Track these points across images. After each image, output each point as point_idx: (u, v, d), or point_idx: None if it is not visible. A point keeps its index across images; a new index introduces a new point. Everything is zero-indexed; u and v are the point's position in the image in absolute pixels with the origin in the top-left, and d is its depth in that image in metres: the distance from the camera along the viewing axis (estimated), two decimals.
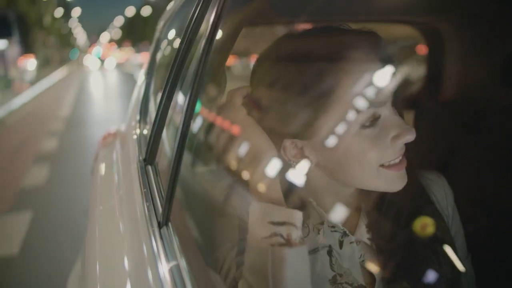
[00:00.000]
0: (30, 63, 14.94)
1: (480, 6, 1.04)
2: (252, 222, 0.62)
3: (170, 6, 1.89)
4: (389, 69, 0.66)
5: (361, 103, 0.63)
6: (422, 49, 1.31)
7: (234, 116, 0.68)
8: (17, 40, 13.91)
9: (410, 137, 0.64)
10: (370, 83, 0.64)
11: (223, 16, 0.84)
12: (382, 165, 0.64)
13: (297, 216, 0.61)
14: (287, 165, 0.67)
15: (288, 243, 0.59)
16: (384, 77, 0.65)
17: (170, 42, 1.69)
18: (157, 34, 2.11)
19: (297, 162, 0.67)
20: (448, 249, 0.71)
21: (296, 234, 0.60)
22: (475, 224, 0.78)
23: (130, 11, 77.70)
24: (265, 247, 0.59)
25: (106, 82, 17.58)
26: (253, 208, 0.63)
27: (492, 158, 0.90)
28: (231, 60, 0.93)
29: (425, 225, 0.70)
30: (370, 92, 0.63)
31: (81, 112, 9.25)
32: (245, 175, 0.67)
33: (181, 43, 1.10)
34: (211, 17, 0.87)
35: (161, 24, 2.06)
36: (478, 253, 0.75)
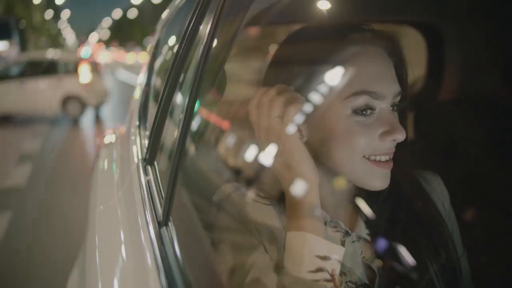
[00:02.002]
0: None
1: (480, 6, 1.04)
2: (293, 251, 0.61)
3: (168, 8, 1.89)
4: (393, 69, 0.67)
5: (357, 88, 0.64)
6: (422, 49, 1.31)
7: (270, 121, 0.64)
8: (17, 42, 17.44)
9: (400, 137, 0.64)
10: (371, 75, 0.65)
11: (222, 16, 0.84)
12: (366, 157, 0.65)
13: (341, 251, 0.62)
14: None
15: (333, 280, 0.60)
16: (387, 75, 0.66)
17: (170, 43, 1.69)
18: (156, 35, 2.11)
19: None
20: (445, 246, 0.72)
21: (339, 270, 0.61)
22: (470, 222, 0.79)
23: (117, 13, 79.20)
24: (310, 283, 0.59)
25: None
26: (293, 236, 0.62)
27: (492, 157, 0.90)
28: (230, 61, 0.93)
29: None
30: (369, 82, 0.65)
31: None
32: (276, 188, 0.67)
33: (180, 44, 1.11)
34: (210, 18, 0.87)
35: (160, 26, 2.06)
36: (473, 251, 0.76)
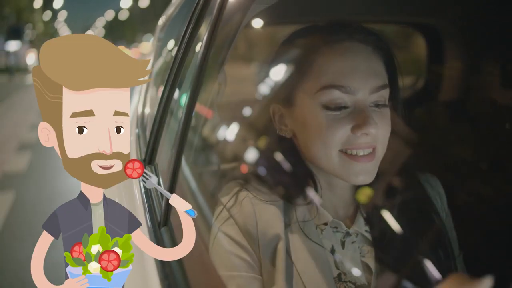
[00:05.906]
0: (32, 56, 25.78)
1: (480, 7, 1.04)
2: None
3: (167, 10, 1.89)
4: (376, 63, 0.68)
5: (325, 83, 0.66)
6: (421, 49, 1.31)
7: None
8: (27, 41, 23.59)
9: (371, 130, 0.64)
10: (341, 69, 0.66)
11: (222, 18, 0.84)
12: (343, 151, 0.65)
13: None
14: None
15: None
16: (361, 69, 0.67)
17: (169, 44, 1.70)
18: (155, 36, 2.12)
19: (281, 130, 0.72)
20: (442, 246, 0.72)
21: None
22: (467, 223, 0.79)
23: (109, 14, 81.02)
24: None
25: None
26: None
27: (491, 158, 0.90)
28: (230, 61, 0.93)
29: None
30: (337, 76, 0.66)
31: None
32: None
33: (180, 45, 1.11)
34: (209, 19, 0.87)
35: (159, 27, 2.06)
36: (468, 251, 0.76)
